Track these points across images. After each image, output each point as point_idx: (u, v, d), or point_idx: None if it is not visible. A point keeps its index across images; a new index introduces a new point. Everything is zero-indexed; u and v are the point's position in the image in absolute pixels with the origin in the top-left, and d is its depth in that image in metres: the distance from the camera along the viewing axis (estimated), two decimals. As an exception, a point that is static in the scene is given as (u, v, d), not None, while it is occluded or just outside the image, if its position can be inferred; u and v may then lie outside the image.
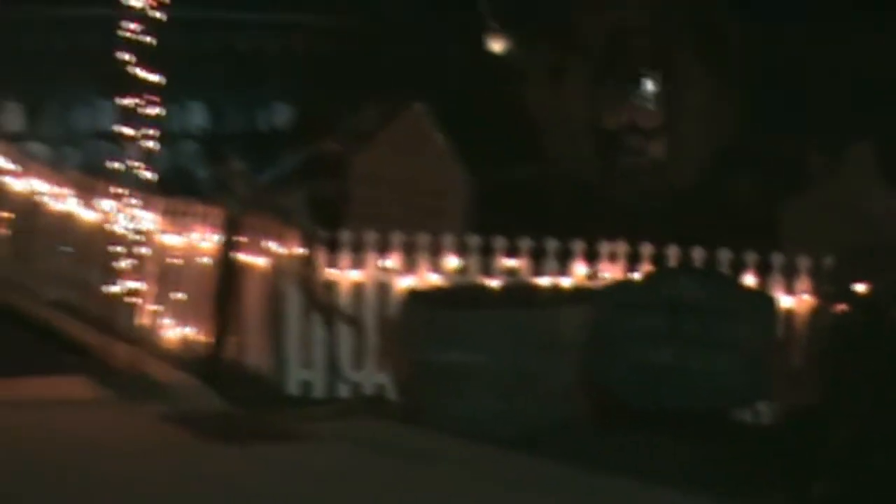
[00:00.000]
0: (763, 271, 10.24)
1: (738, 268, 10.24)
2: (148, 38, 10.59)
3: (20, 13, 15.63)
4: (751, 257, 10.24)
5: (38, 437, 9.04)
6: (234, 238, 10.37)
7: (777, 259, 10.22)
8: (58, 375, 10.40)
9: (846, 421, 8.83)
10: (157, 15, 10.60)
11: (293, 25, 16.72)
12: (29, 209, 13.34)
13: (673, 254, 10.35)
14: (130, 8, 10.61)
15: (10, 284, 13.08)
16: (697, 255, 10.31)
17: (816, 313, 9.82)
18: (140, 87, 10.57)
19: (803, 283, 10.08)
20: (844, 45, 16.17)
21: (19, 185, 13.52)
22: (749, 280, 10.15)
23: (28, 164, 13.76)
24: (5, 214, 13.64)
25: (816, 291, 9.91)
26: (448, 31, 15.89)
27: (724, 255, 10.27)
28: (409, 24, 16.59)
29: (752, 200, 12.48)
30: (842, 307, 9.35)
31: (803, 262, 10.14)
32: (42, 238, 13.13)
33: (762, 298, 9.94)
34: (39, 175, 13.37)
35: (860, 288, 9.33)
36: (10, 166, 13.73)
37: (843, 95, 15.58)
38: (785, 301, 10.05)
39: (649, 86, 12.84)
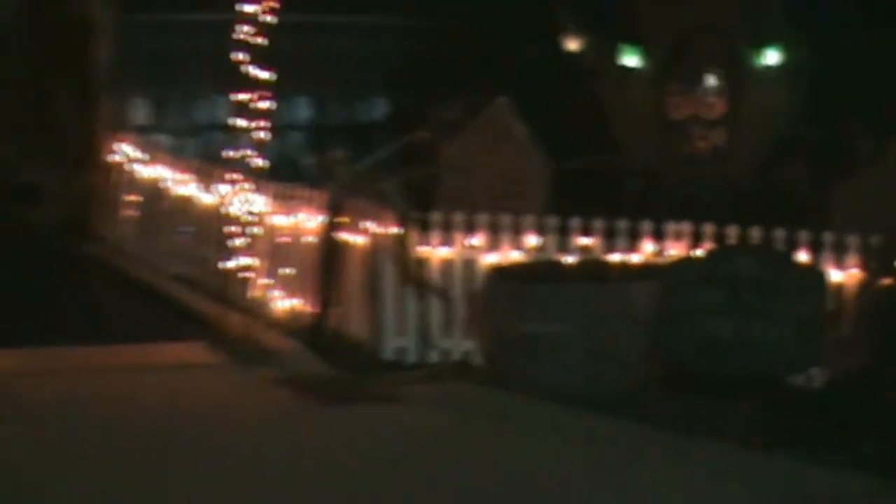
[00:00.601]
0: (815, 249, 10.15)
1: (792, 245, 10.14)
2: (260, 40, 10.64)
3: (148, 18, 15.71)
4: (803, 236, 10.14)
5: (159, 398, 9.15)
6: (337, 219, 10.41)
7: (828, 237, 10.11)
8: (178, 342, 10.49)
9: (891, 385, 8.77)
10: (268, 19, 10.65)
11: (388, 27, 16.73)
12: (155, 193, 13.44)
13: (732, 233, 10.27)
14: (245, 13, 10.68)
15: (139, 260, 13.18)
16: (755, 234, 10.22)
17: (864, 287, 9.72)
18: (253, 84, 10.63)
19: (852, 259, 9.96)
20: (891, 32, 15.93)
21: (146, 172, 13.61)
22: (802, 257, 10.05)
23: (154, 153, 13.86)
24: (135, 198, 13.72)
25: (864, 267, 9.78)
26: (526, 32, 15.88)
27: (779, 234, 10.17)
28: (490, 25, 16.59)
29: (806, 185, 12.38)
30: (887, 281, 9.30)
31: (852, 240, 10.01)
32: (166, 219, 13.22)
33: (814, 273, 9.85)
34: (164, 163, 13.47)
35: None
36: (139, 155, 13.83)
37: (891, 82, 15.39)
38: (835, 276, 9.94)
39: (711, 80, 12.73)
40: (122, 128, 14.38)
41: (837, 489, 7.81)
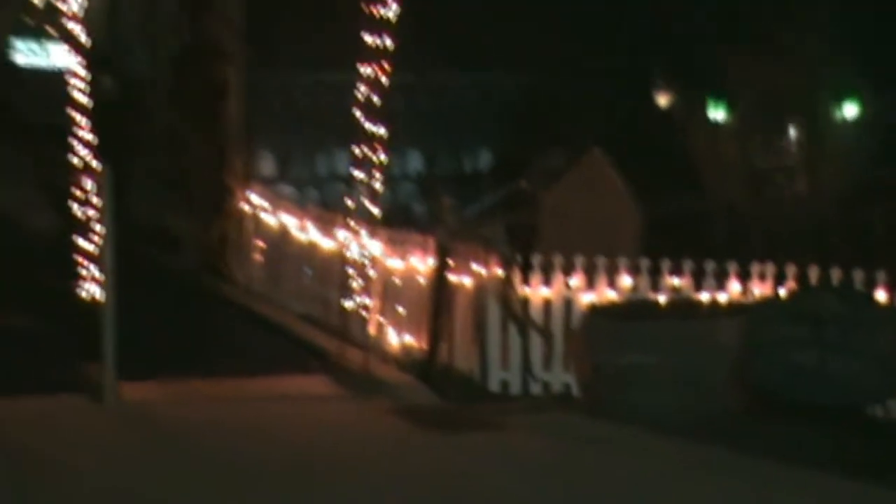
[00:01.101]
0: (892, 287, 10.06)
1: (870, 285, 10.07)
2: (375, 99, 10.72)
3: (274, 79, 15.86)
4: (881, 276, 10.06)
5: (285, 425, 9.17)
6: (445, 262, 10.38)
7: None
8: (303, 375, 10.50)
9: None
10: (383, 80, 10.73)
11: (493, 84, 16.80)
12: (280, 239, 13.47)
13: (814, 273, 10.22)
14: (362, 75, 10.77)
15: (267, 300, 13.26)
16: (835, 274, 10.17)
17: None
18: (369, 139, 10.71)
19: None
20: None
21: (273, 219, 13.69)
22: (880, 295, 9.96)
23: (279, 202, 13.95)
24: (262, 244, 13.79)
25: None
26: (620, 87, 15.88)
27: (858, 275, 10.09)
28: (587, 82, 16.59)
29: (883, 226, 12.27)
30: None
31: None
32: (290, 262, 13.23)
33: (892, 311, 9.79)
34: (288, 211, 13.52)
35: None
36: (266, 204, 13.94)
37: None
38: None
39: (793, 131, 12.66)
40: (251, 179, 14.48)
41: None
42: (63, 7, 10.65)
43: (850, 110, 12.78)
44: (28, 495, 7.59)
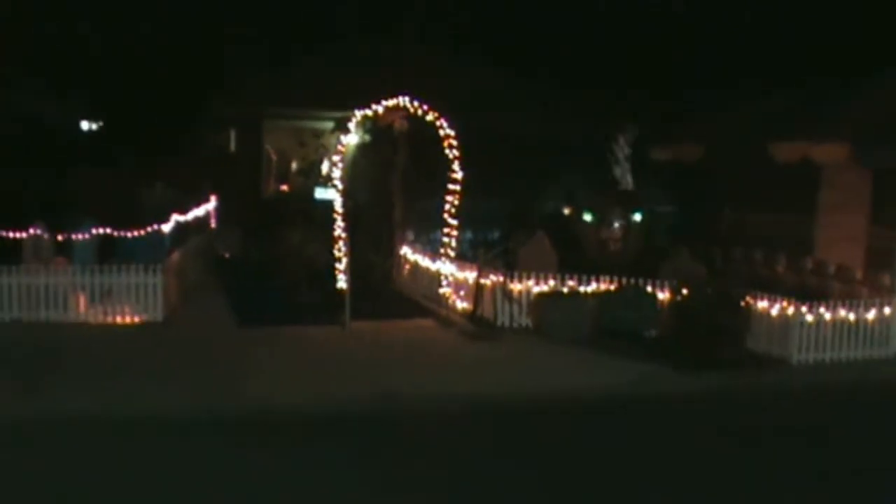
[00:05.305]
0: (654, 285, 10.10)
1: (646, 285, 10.11)
2: (453, 209, 10.64)
3: (415, 203, 13.65)
4: (652, 281, 10.14)
5: (412, 337, 9.31)
6: (481, 274, 10.13)
7: (658, 282, 10.01)
8: (422, 319, 10.31)
9: (682, 336, 9.02)
10: (456, 202, 10.28)
11: (499, 204, 15.16)
12: (415, 265, 12.74)
13: (624, 281, 10.24)
14: (447, 200, 10.61)
15: (409, 290, 12.60)
16: (633, 281, 10.22)
17: (672, 299, 9.66)
18: (450, 225, 10.59)
19: (667, 289, 9.86)
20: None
21: (412, 256, 12.94)
22: (648, 288, 10.06)
23: (415, 249, 13.03)
24: (408, 267, 13.01)
25: (671, 290, 9.75)
26: (552, 206, 15.60)
27: (641, 281, 10.16)
28: (538, 203, 16.45)
29: (658, 262, 11.68)
30: (679, 297, 9.35)
31: (668, 283, 9.89)
32: (419, 274, 12.52)
33: (653, 294, 9.94)
34: (418, 253, 12.79)
35: (684, 291, 9.28)
36: (409, 250, 13.11)
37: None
38: (660, 295, 9.94)
39: (616, 224, 12.53)
40: (404, 241, 13.54)
41: (653, 372, 8.28)
42: (333, 175, 10.76)
43: (637, 215, 12.54)
44: (301, 355, 7.86)
